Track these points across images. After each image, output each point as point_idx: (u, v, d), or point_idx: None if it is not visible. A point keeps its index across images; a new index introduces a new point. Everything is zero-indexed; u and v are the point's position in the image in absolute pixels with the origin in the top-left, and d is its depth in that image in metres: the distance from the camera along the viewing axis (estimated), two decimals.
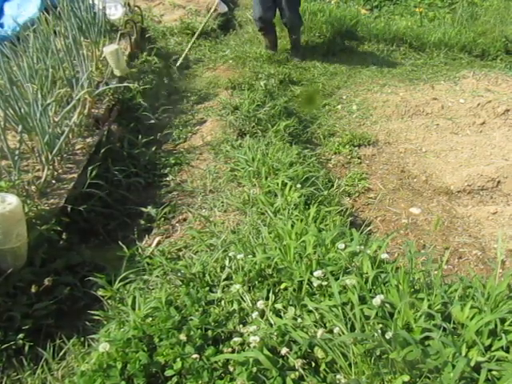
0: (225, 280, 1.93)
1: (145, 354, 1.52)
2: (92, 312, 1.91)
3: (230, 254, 2.03)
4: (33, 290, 1.91)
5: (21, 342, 1.78)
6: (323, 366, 1.52)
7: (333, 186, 3.16)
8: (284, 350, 1.51)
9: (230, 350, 1.58)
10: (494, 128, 3.88)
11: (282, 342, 1.56)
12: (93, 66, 3.44)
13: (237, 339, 1.59)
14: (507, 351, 1.47)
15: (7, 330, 1.80)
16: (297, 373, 1.48)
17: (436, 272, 1.79)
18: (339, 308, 1.61)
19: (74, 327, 1.94)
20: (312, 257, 1.86)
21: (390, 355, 1.40)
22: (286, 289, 1.82)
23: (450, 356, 1.42)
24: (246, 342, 1.58)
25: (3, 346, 1.75)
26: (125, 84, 3.31)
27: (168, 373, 1.49)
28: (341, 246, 1.92)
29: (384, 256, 1.85)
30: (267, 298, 1.79)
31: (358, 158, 3.64)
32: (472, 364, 1.41)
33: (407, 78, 4.94)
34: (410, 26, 5.78)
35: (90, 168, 2.53)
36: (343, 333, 1.54)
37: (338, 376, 1.48)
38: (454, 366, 1.39)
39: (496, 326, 1.53)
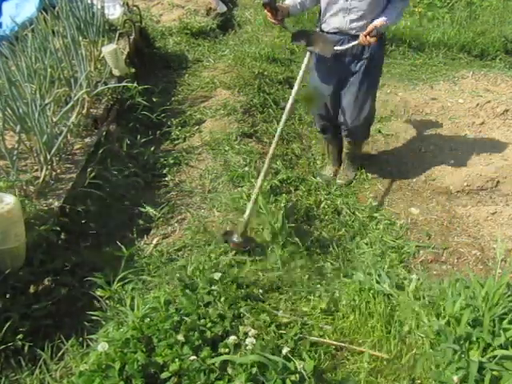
0: None
1: (143, 355, 1.52)
2: (90, 312, 1.90)
3: None
4: (31, 290, 1.91)
5: (19, 342, 1.77)
6: None
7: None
8: (284, 350, 1.51)
9: (227, 350, 1.57)
10: (493, 128, 3.87)
11: None
12: (91, 66, 3.44)
13: (233, 337, 1.59)
14: (506, 349, 1.47)
15: (6, 331, 1.79)
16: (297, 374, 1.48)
17: (435, 272, 1.79)
18: None
19: (73, 327, 1.93)
20: None
21: None
22: None
23: (449, 356, 1.42)
24: (243, 343, 1.58)
25: (2, 347, 1.75)
26: (123, 84, 3.30)
27: (164, 375, 1.48)
28: None
29: None
30: None
31: None
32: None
33: (406, 78, 4.93)
34: (409, 26, 5.78)
35: (89, 168, 2.53)
36: None
37: None
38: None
39: (494, 324, 1.53)
